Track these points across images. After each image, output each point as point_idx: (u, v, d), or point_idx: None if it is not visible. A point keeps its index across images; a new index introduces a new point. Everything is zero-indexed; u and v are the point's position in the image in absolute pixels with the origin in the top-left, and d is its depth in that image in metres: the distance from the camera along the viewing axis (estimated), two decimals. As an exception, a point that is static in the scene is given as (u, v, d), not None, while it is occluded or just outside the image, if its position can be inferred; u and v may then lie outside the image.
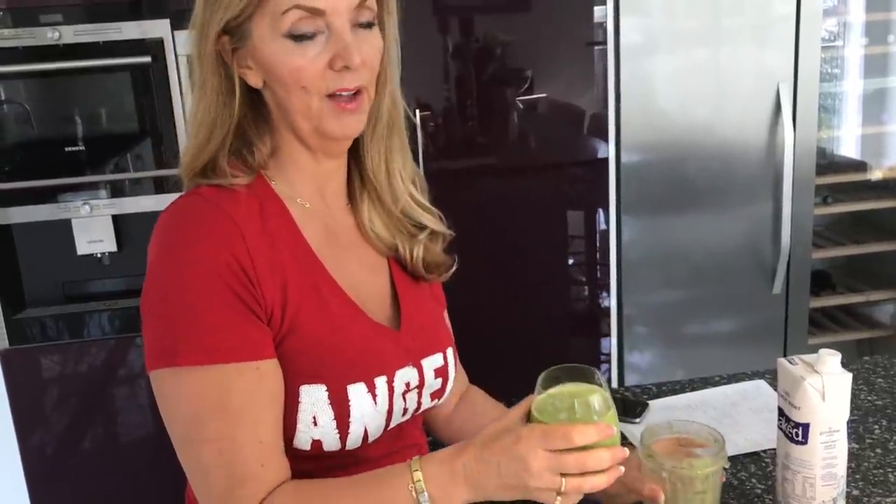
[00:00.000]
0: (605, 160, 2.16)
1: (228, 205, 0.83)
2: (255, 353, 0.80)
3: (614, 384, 2.26)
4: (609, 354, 2.27)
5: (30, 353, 2.00)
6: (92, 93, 1.96)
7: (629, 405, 1.28)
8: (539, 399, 0.76)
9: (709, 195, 2.21)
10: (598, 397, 0.75)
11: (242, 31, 0.84)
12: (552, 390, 0.76)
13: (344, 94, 0.84)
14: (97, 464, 2.05)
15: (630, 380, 2.26)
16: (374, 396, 0.87)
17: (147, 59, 1.88)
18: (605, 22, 2.09)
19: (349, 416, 0.85)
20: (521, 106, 2.13)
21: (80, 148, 1.95)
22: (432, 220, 1.01)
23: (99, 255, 2.00)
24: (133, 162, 1.99)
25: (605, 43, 2.11)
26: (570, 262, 2.32)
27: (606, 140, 2.15)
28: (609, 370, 2.27)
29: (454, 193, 2.17)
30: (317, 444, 0.85)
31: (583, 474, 0.72)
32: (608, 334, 2.25)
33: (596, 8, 2.09)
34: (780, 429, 0.95)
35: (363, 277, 0.94)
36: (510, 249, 2.19)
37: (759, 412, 1.23)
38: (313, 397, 0.83)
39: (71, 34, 1.87)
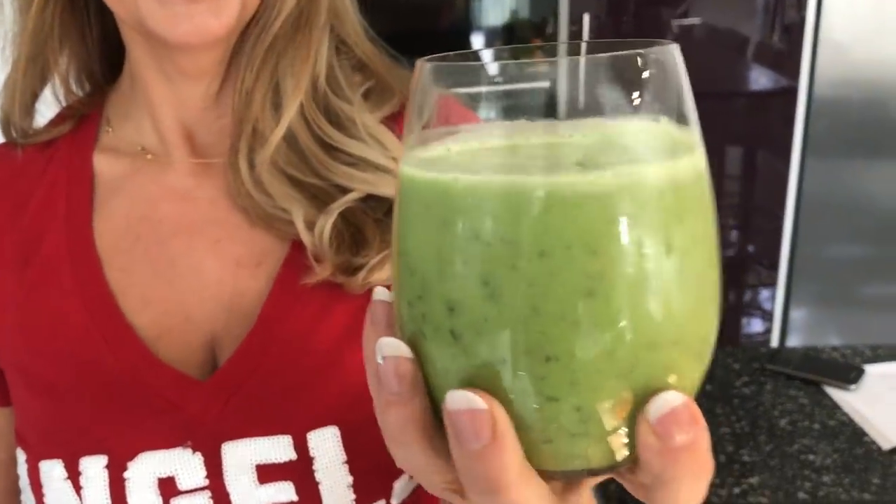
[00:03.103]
0: (788, 92, 1.95)
1: None
2: None
3: (774, 342, 2.06)
4: (769, 309, 2.06)
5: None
6: None
7: (840, 368, 1.10)
8: None
9: (912, 141, 1.95)
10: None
11: None
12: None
13: None
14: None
15: (792, 340, 2.06)
16: (78, 488, 0.53)
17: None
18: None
19: None
20: (676, 31, 1.98)
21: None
22: (367, 180, 0.55)
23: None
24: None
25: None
26: (731, 201, 2.11)
27: (777, 71, 1.96)
28: (770, 325, 2.06)
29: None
30: None
31: None
32: (771, 285, 2.04)
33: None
34: None
35: (205, 279, 0.56)
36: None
37: None
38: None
39: None
